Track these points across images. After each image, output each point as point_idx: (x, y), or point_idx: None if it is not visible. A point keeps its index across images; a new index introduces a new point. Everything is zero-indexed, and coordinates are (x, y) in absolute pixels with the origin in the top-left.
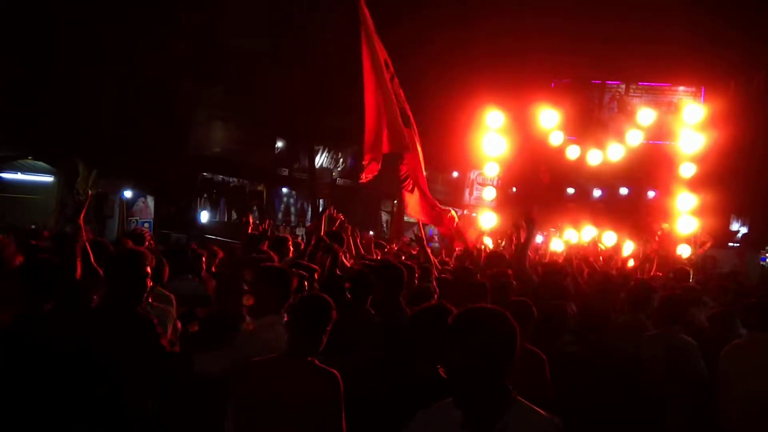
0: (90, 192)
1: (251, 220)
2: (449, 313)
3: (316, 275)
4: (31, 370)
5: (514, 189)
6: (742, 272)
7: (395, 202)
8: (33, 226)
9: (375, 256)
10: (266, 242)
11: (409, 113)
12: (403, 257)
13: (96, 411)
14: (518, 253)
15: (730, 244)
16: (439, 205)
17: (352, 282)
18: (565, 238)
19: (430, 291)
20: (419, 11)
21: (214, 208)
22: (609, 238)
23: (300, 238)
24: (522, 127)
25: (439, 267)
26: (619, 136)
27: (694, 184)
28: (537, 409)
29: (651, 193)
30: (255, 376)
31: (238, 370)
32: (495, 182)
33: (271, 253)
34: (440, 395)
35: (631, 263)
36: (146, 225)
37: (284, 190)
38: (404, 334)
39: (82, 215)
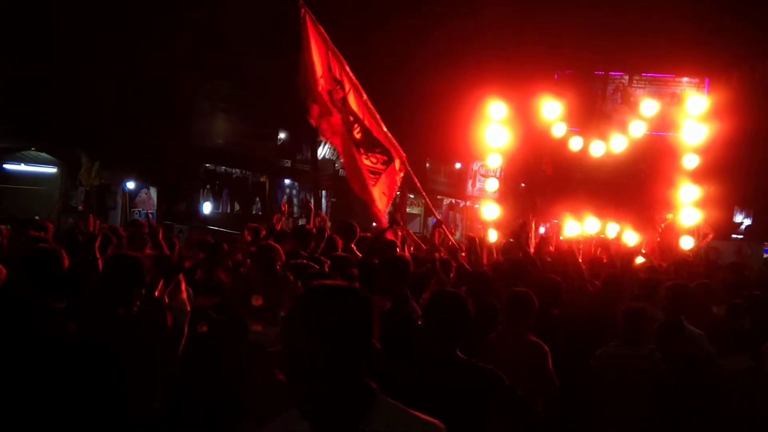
0: (99, 230)
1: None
2: (462, 300)
3: (326, 267)
4: (30, 365)
5: (522, 185)
6: (746, 264)
7: (398, 194)
8: (37, 217)
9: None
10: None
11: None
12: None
13: (94, 408)
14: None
15: (734, 235)
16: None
17: (357, 271)
18: (566, 230)
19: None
20: (423, 3)
21: (216, 200)
22: (612, 230)
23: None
24: (525, 118)
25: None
26: (623, 127)
27: (698, 176)
28: (409, 410)
29: None
30: (271, 366)
31: (255, 360)
32: (498, 173)
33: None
34: (449, 377)
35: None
36: (149, 216)
37: (287, 181)
38: (411, 326)
39: (97, 246)
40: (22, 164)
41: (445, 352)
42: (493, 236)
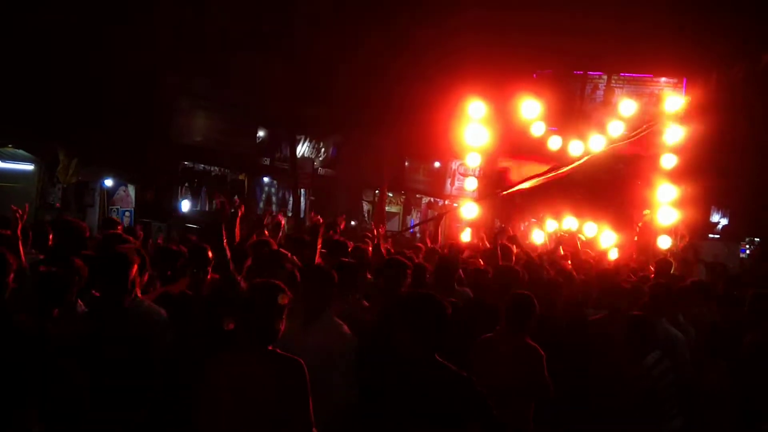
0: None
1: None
2: (437, 301)
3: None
4: None
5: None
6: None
7: (377, 192)
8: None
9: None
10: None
11: None
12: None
13: None
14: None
15: (711, 235)
16: None
17: (339, 271)
18: (547, 230)
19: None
20: (403, 3)
21: (195, 197)
22: (590, 229)
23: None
24: (504, 117)
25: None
26: (601, 127)
27: (675, 175)
28: None
29: None
30: (215, 370)
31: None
32: (477, 173)
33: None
34: (426, 384)
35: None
36: (127, 214)
37: (266, 179)
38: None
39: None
40: None
41: (422, 358)
42: (467, 236)
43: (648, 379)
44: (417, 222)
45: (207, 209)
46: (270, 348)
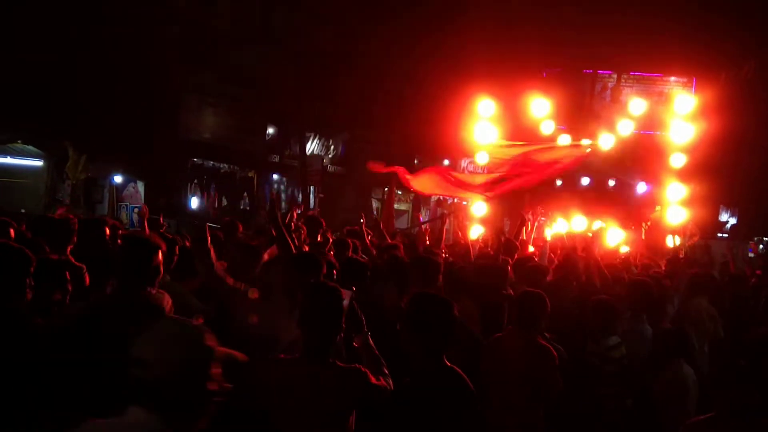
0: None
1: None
2: (447, 303)
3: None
4: None
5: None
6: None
7: (386, 189)
8: (23, 210)
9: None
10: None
11: None
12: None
13: None
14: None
15: (719, 234)
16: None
17: (342, 269)
18: (554, 228)
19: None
20: (413, 1)
21: (204, 195)
22: (597, 227)
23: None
24: (513, 115)
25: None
26: (611, 126)
27: (684, 175)
28: None
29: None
30: (276, 379)
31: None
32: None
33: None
34: (435, 390)
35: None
36: (136, 210)
37: (275, 176)
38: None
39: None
40: (8, 157)
41: (431, 363)
42: (476, 233)
43: (599, 357)
44: (426, 219)
45: (216, 206)
46: (330, 360)
